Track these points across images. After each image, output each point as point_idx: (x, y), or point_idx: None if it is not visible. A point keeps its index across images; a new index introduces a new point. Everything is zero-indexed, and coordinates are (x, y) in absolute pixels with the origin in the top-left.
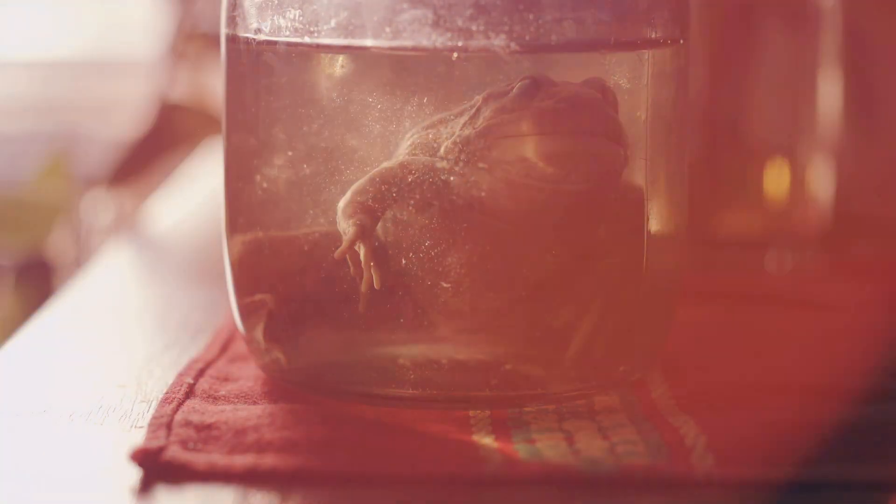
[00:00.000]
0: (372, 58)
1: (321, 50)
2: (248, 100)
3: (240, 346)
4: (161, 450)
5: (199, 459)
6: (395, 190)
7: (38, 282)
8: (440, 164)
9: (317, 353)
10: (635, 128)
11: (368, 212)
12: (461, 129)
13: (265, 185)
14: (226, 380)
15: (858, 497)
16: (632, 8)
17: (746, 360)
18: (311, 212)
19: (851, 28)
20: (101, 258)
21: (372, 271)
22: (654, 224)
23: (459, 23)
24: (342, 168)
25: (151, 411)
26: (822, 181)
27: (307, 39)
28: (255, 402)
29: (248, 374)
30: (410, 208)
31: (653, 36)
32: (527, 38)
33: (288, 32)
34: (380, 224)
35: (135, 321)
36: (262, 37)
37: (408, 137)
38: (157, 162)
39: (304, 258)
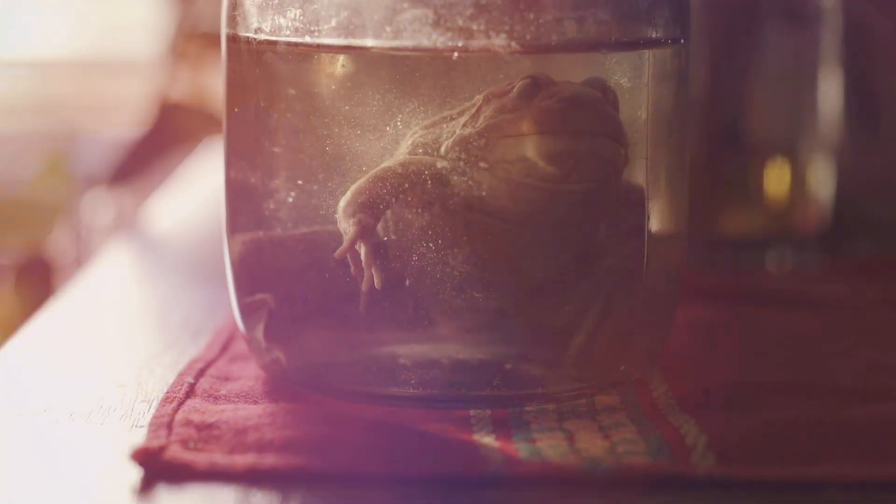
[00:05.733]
0: (372, 57)
1: (322, 49)
2: (248, 100)
3: (240, 346)
4: (162, 449)
5: (200, 459)
6: (395, 189)
7: (38, 282)
8: (441, 164)
9: (317, 353)
10: (636, 127)
11: (369, 211)
12: (462, 129)
13: (265, 184)
14: (226, 379)
15: (858, 497)
16: (632, 8)
17: (746, 360)
18: (312, 211)
19: (851, 28)
20: (101, 258)
21: (373, 271)
22: (655, 224)
23: (460, 22)
24: (343, 167)
25: (152, 411)
26: (822, 181)
27: (308, 39)
28: (255, 402)
29: (249, 374)
30: (411, 208)
31: (653, 36)
32: (527, 37)
33: (288, 32)
34: (380, 223)
35: (135, 321)
36: (262, 36)
37: (408, 137)
38: (157, 162)
39: (305, 258)
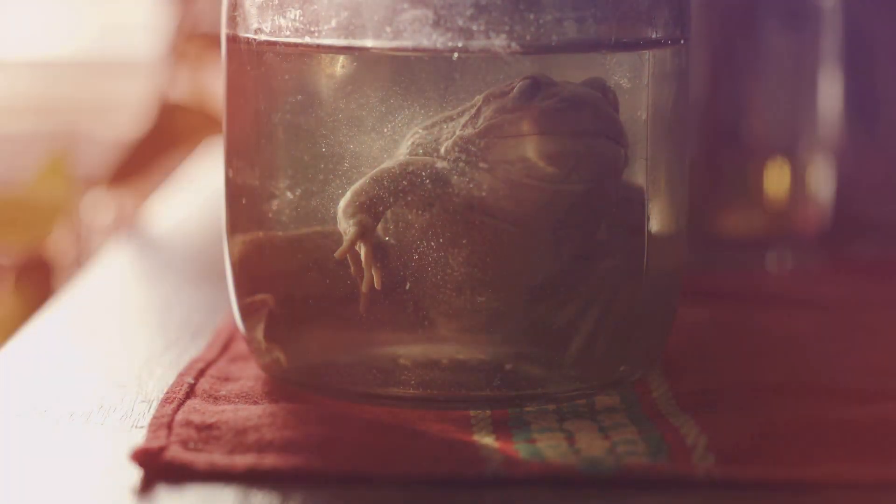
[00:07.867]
0: (372, 58)
1: (322, 50)
2: (248, 100)
3: (240, 346)
4: (162, 450)
5: (200, 459)
6: (395, 190)
7: (38, 282)
8: (441, 164)
9: (317, 353)
10: (636, 128)
11: (369, 212)
12: (462, 129)
13: (265, 184)
14: (226, 380)
15: (858, 497)
16: (632, 8)
17: (746, 360)
18: (312, 212)
19: (851, 28)
20: (101, 258)
21: (372, 271)
22: (655, 224)
23: (460, 23)
24: (342, 168)
25: (152, 411)
26: (822, 181)
27: (308, 39)
28: (255, 402)
29: (249, 374)
30: (411, 208)
31: (653, 36)
32: (527, 38)
33: (288, 32)
34: (380, 224)
35: (135, 321)
36: (262, 37)
37: (408, 137)
38: (157, 162)
39: (305, 258)
